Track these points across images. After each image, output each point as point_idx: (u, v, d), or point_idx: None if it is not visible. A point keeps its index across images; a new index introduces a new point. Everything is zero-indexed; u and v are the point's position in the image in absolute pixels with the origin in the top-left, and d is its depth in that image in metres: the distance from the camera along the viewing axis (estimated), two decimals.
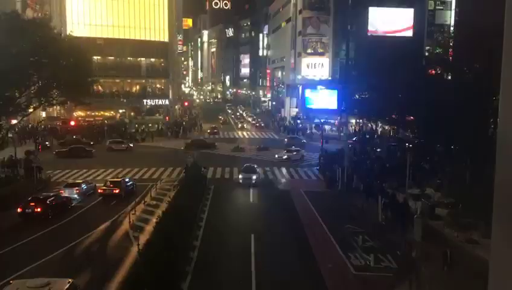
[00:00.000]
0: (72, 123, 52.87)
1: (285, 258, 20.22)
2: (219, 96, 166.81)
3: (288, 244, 22.28)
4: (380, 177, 32.90)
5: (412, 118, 37.06)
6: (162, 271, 14.39)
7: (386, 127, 59.75)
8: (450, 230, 23.00)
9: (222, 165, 43.10)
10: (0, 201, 27.01)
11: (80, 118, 67.58)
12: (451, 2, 70.71)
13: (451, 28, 44.69)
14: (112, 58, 74.51)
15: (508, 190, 3.58)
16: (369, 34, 68.75)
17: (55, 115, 63.82)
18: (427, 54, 40.47)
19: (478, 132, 24.25)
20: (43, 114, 56.21)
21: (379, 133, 61.59)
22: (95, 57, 64.46)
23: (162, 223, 19.16)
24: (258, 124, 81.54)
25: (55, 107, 50.83)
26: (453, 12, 69.19)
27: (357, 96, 56.95)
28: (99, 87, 67.76)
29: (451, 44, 33.39)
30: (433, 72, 33.37)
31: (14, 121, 41.66)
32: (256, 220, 26.09)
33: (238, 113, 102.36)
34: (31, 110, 39.21)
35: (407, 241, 21.01)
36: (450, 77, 32.37)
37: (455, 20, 62.89)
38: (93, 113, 70.98)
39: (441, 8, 71.48)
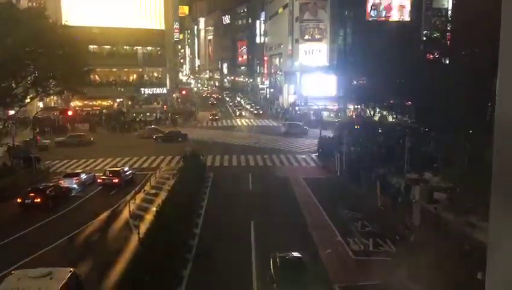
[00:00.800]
0: (70, 113, 52.70)
1: (285, 244, 20.35)
2: (217, 84, 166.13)
3: (287, 231, 22.41)
4: (379, 163, 32.99)
5: (409, 103, 37.01)
6: (163, 259, 14.50)
7: (384, 113, 59.62)
8: (448, 214, 23.13)
9: (221, 153, 43.17)
10: (1, 192, 27.09)
11: (77, 108, 67.37)
12: None
13: (449, 12, 44.37)
14: (108, 47, 73.98)
15: (506, 173, 3.60)
16: (367, 20, 68.33)
17: (53, 105, 63.59)
18: (424, 38, 40.22)
19: (476, 115, 24.23)
20: (41, 104, 56.01)
21: (377, 118, 61.49)
22: (91, 46, 64.09)
23: (162, 211, 19.26)
24: (256, 112, 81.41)
25: (52, 97, 50.61)
26: None
27: (355, 82, 56.75)
28: (96, 77, 67.43)
29: (448, 28, 33.19)
30: (431, 56, 33.25)
31: (11, 112, 41.57)
32: (255, 207, 26.19)
33: (236, 101, 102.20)
34: (28, 100, 39.09)
35: (406, 226, 21.16)
36: (447, 61, 32.26)
37: (452, 4, 62.47)
38: (90, 103, 70.77)
39: None
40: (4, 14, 33.55)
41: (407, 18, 68.91)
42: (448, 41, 32.13)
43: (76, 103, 68.18)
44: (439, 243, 18.34)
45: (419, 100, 30.73)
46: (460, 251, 17.38)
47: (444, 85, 25.72)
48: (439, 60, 32.55)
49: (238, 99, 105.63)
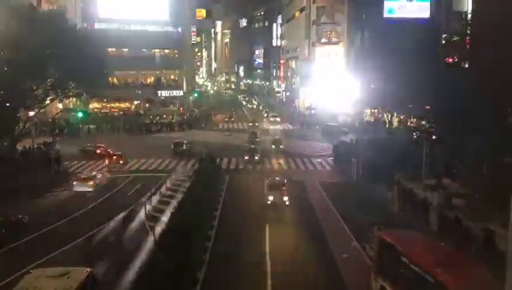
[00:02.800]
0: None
1: (301, 249, 20.25)
2: (233, 87, 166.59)
3: (303, 235, 22.29)
4: (396, 168, 32.62)
5: (428, 107, 36.55)
6: (178, 261, 14.53)
7: (402, 117, 59.03)
8: (467, 220, 22.73)
9: (236, 155, 43.20)
10: (16, 193, 27.51)
11: (95, 110, 68.22)
12: None
13: (469, 15, 43.72)
14: (127, 50, 74.87)
15: None
16: (385, 23, 67.70)
17: (72, 107, 64.45)
18: (444, 42, 39.73)
19: (496, 119, 23.80)
20: (60, 106, 56.80)
21: (394, 123, 60.94)
22: (110, 49, 64.85)
23: (178, 213, 19.33)
24: (273, 119, 76.92)
25: (71, 98, 51.29)
26: None
27: (372, 85, 56.34)
28: (114, 79, 68.20)
29: (468, 31, 32.73)
30: (450, 60, 32.83)
31: (31, 113, 42.21)
32: (271, 210, 26.12)
33: (253, 106, 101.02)
34: (47, 102, 39.71)
35: (423, 232, 20.83)
36: (467, 65, 31.81)
37: (472, 7, 61.59)
38: (108, 105, 71.63)
39: None
40: (25, 16, 34.17)
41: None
42: (468, 45, 31.68)
43: (94, 105, 69.05)
44: (457, 250, 18.02)
45: (438, 104, 30.32)
46: (478, 258, 17.04)
47: (463, 89, 25.35)
48: (458, 63, 32.12)
49: (255, 103, 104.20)
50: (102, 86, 41.94)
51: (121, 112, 70.81)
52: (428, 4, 68.45)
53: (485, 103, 23.25)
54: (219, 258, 18.76)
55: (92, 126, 58.21)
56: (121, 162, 39.39)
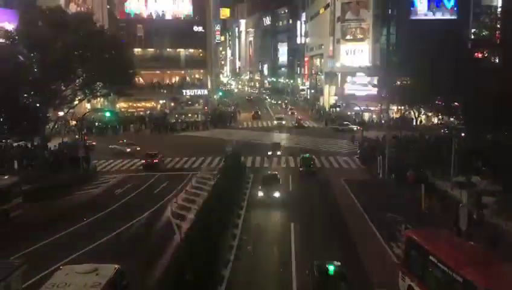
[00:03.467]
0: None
1: (326, 247, 20.12)
2: (257, 85, 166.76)
3: (328, 234, 22.15)
4: (424, 165, 32.10)
5: (457, 104, 35.80)
6: (204, 259, 14.63)
7: (429, 114, 57.99)
8: (497, 218, 22.20)
9: (262, 154, 43.22)
10: (47, 191, 28.28)
11: (122, 109, 69.36)
12: None
13: (499, 9, 42.54)
14: (152, 50, 75.83)
15: None
16: (411, 18, 66.69)
17: (99, 107, 65.74)
18: (473, 36, 38.77)
19: None
20: (88, 106, 57.99)
21: (422, 120, 59.94)
22: (136, 50, 65.83)
23: (203, 211, 19.48)
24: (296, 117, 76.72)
25: (99, 99, 52.29)
26: None
27: (398, 82, 55.49)
28: (140, 79, 69.19)
29: (498, 26, 31.88)
30: (480, 55, 32.04)
31: (60, 113, 43.26)
32: (295, 209, 26.06)
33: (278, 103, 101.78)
34: (76, 102, 40.59)
35: (452, 230, 20.41)
36: (497, 60, 31.01)
37: (502, 1, 60.03)
38: (135, 105, 72.70)
39: None
40: (54, 19, 35.00)
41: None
42: (498, 40, 30.86)
43: (121, 105, 70.20)
44: (486, 248, 17.61)
45: (467, 101, 29.67)
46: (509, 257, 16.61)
47: (492, 85, 24.73)
48: (488, 58, 31.35)
49: (279, 102, 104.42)
50: (128, 86, 42.55)
51: (147, 111, 71.81)
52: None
53: None
54: (244, 258, 18.85)
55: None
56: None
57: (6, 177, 26.27)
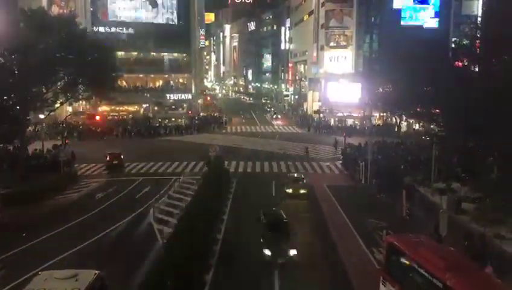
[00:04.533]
0: (98, 118, 53.82)
1: (309, 253, 20.18)
2: (241, 90, 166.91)
3: (311, 239, 22.22)
4: (404, 171, 32.50)
5: (437, 111, 36.35)
6: (186, 264, 14.55)
7: (411, 121, 58.84)
8: (477, 225, 22.56)
9: (245, 159, 43.21)
10: (26, 195, 27.79)
11: (105, 113, 68.63)
12: None
13: (479, 19, 43.42)
14: (136, 53, 75.32)
15: None
16: (393, 27, 67.62)
17: (81, 110, 64.97)
18: (453, 45, 39.47)
19: (506, 123, 23.61)
20: (70, 109, 57.26)
21: (403, 126, 60.72)
22: (119, 53, 65.22)
23: (186, 217, 19.37)
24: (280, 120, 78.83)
25: (81, 102, 51.65)
26: (480, 2, 67.44)
27: (380, 89, 56.18)
28: (124, 83, 68.59)
29: (478, 35, 32.52)
30: (460, 63, 32.60)
31: (41, 116, 42.59)
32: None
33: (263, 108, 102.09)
34: (57, 105, 40.04)
35: (432, 236, 20.67)
36: (477, 69, 31.58)
37: (482, 11, 61.30)
38: (117, 108, 71.98)
39: None
40: (36, 20, 34.53)
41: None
42: (478, 49, 31.46)
43: (104, 108, 69.46)
44: (466, 254, 17.87)
45: (447, 108, 30.14)
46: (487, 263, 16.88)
47: (473, 93, 25.18)
48: (468, 67, 31.92)
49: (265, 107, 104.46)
50: (111, 89, 42.14)
51: (130, 115, 71.22)
52: (435, 11, 68.68)
53: (495, 105, 23.07)
54: (226, 261, 18.78)
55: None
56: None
57: None
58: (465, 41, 32.95)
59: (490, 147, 26.54)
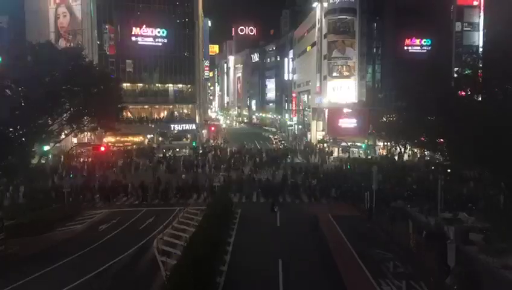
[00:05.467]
0: (102, 149, 54.03)
1: (315, 286, 19.82)
2: (245, 120, 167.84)
3: (317, 271, 21.85)
4: (411, 201, 32.24)
5: (441, 140, 36.35)
6: None
7: (415, 150, 58.75)
8: (484, 255, 22.19)
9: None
10: (34, 226, 27.69)
11: (109, 144, 68.98)
12: (479, 23, 69.98)
13: (480, 49, 44.04)
14: (141, 84, 76.33)
15: None
16: (396, 58, 68.51)
17: (86, 141, 65.38)
18: (455, 75, 39.83)
19: None
20: (75, 140, 57.63)
21: (407, 156, 60.58)
22: (124, 84, 66.17)
23: (190, 248, 19.14)
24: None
25: (86, 133, 52.07)
26: (481, 33, 68.40)
27: (384, 118, 56.40)
28: (129, 114, 69.27)
29: (480, 65, 32.84)
30: (463, 93, 32.80)
31: (46, 148, 42.87)
32: (283, 246, 25.76)
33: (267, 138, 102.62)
34: (62, 136, 40.34)
35: (441, 268, 20.31)
36: (480, 98, 31.75)
37: (483, 41, 62.09)
38: (122, 139, 72.42)
39: (469, 29, 70.84)
40: (43, 54, 35.21)
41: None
42: (480, 78, 31.70)
43: (109, 139, 69.88)
44: (475, 285, 17.52)
45: (451, 137, 30.15)
46: None
47: (477, 122, 25.20)
48: (471, 97, 32.09)
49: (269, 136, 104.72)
50: (116, 120, 42.53)
51: (134, 146, 71.53)
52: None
53: (498, 135, 23.05)
54: None
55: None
56: None
57: None
58: (467, 71, 33.22)
59: (497, 177, 26.37)
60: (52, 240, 27.39)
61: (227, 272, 21.07)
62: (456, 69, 47.29)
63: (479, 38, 68.57)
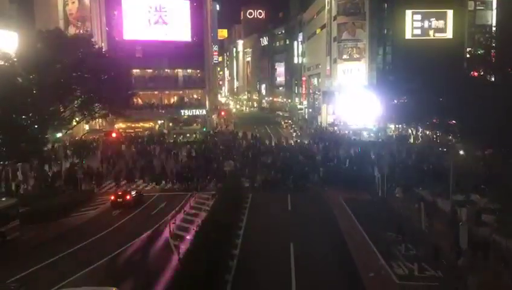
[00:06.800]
0: (114, 135, 54.32)
1: (326, 269, 19.94)
2: (255, 105, 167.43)
3: (328, 254, 21.94)
4: (422, 183, 32.07)
5: (453, 121, 35.98)
6: (202, 280, 14.47)
7: (427, 132, 58.24)
8: (498, 237, 22.07)
9: None
10: (48, 212, 28.11)
11: (120, 130, 69.36)
12: (492, 1, 68.53)
13: (493, 28, 43.12)
14: (150, 70, 76.28)
15: None
16: (407, 38, 67.54)
17: (98, 128, 65.76)
18: (468, 55, 39.20)
19: None
20: (87, 127, 57.99)
21: (420, 138, 60.09)
22: (134, 70, 66.15)
23: (201, 232, 19.32)
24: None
25: (97, 119, 52.34)
26: (494, 12, 67.01)
27: (395, 101, 55.86)
28: (139, 100, 69.39)
29: (493, 44, 32.27)
30: (476, 73, 32.33)
31: (59, 135, 43.23)
32: (294, 228, 25.89)
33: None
34: (74, 123, 40.61)
35: (453, 249, 20.29)
36: (493, 78, 31.29)
37: (496, 20, 60.88)
38: (133, 125, 72.75)
39: (482, 8, 69.40)
40: (53, 41, 35.29)
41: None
42: (493, 58, 31.19)
43: (120, 125, 70.25)
44: (488, 267, 17.50)
45: (463, 119, 29.82)
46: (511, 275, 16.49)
47: (489, 102, 24.88)
48: (484, 77, 31.63)
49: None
50: (127, 107, 42.66)
51: (145, 132, 71.85)
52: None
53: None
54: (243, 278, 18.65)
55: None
56: None
57: (4, 199, 26.14)
58: (480, 51, 32.69)
59: (508, 156, 26.09)
60: (67, 225, 27.81)
61: (239, 255, 21.26)
62: (468, 49, 46.53)
63: (492, 18, 67.20)
